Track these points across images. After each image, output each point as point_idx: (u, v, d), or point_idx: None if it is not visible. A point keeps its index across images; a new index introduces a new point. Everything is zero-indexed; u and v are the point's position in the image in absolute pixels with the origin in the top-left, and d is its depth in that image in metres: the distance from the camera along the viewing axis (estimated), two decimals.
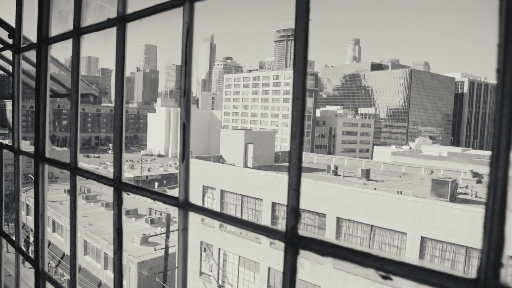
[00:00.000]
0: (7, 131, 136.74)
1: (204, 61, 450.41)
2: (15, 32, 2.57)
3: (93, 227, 35.80)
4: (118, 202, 1.68)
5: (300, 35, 0.84)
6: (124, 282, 21.73)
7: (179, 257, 1.40)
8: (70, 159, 1.91)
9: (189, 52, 1.10)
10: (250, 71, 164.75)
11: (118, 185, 1.67)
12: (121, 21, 1.38)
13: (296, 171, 0.99)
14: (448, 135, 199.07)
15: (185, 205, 1.28)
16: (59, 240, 38.95)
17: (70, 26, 1.75)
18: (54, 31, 2.10)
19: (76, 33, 1.73)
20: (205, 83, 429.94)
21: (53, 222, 40.35)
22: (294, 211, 0.96)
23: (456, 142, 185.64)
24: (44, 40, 2.10)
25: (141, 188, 1.52)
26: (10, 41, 2.68)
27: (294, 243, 0.95)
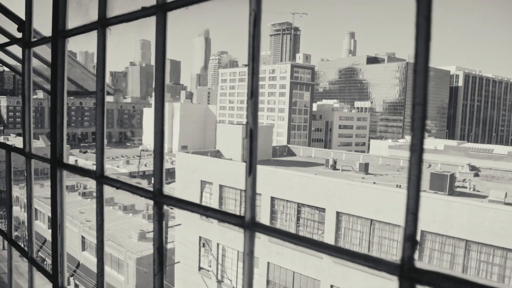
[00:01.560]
0: (2, 128, 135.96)
1: (199, 56, 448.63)
2: (25, 24, 2.39)
3: (90, 223, 35.66)
4: (158, 218, 1.51)
5: (422, 27, 0.70)
6: (122, 278, 21.53)
7: (245, 283, 1.26)
8: (96, 166, 1.75)
9: (256, 45, 0.94)
10: (245, 65, 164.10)
11: (159, 198, 1.49)
12: (161, 10, 1.24)
13: (415, 192, 0.85)
14: (443, 128, 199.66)
15: (251, 226, 1.15)
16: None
17: (90, 18, 1.60)
18: (70, 24, 1.96)
19: (102, 24, 1.56)
20: (200, 78, 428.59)
21: (49, 218, 40.17)
22: (411, 239, 0.83)
23: (451, 135, 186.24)
24: (61, 33, 1.93)
25: (189, 202, 1.36)
26: (18, 35, 2.51)
27: (412, 277, 0.82)
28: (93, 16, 1.56)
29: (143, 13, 1.29)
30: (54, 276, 2.20)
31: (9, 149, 2.94)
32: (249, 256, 1.22)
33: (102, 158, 1.76)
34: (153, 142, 1.41)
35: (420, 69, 0.72)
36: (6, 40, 2.92)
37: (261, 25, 0.93)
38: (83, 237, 35.72)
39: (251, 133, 0.98)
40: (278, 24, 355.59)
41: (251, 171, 1.04)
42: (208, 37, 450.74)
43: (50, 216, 2.27)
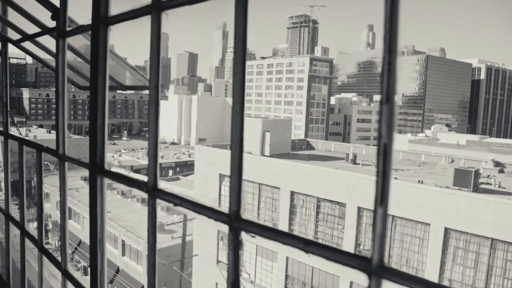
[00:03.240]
0: (24, 119, 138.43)
1: (217, 49, 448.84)
2: (59, 12, 2.19)
3: (110, 214, 36.02)
4: (234, 246, 1.22)
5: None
6: (141, 269, 21.64)
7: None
8: (149, 177, 1.52)
9: (394, 31, 0.70)
10: (263, 58, 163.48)
11: (237, 223, 1.22)
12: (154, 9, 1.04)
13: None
14: (464, 123, 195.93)
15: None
16: (75, 227, 39.30)
17: (137, 3, 1.40)
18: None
19: (157, 8, 1.35)
20: (218, 71, 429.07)
21: (69, 209, 40.70)
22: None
23: (472, 130, 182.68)
24: (103, 20, 1.71)
25: (276, 230, 1.15)
26: (50, 24, 2.33)
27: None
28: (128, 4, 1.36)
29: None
30: None
31: (40, 149, 2.78)
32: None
33: (155, 168, 1.52)
34: (230, 156, 1.17)
35: None
36: (37, 30, 2.73)
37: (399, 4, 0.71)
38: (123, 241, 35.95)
39: (385, 149, 0.77)
40: (295, 17, 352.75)
41: (383, 200, 0.84)
42: (225, 30, 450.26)
43: (89, 228, 2.10)
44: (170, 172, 71.81)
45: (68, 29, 2.19)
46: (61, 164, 2.35)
